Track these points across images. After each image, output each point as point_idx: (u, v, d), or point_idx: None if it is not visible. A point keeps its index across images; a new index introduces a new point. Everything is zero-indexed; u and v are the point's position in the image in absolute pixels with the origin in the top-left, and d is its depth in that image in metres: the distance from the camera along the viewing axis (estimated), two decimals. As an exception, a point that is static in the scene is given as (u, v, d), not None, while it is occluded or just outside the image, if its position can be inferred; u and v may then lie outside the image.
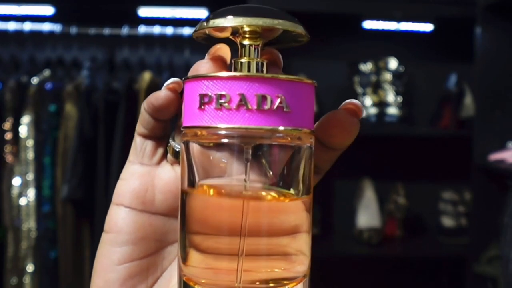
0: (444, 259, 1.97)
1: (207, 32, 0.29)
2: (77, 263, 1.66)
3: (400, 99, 1.89)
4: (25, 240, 1.67)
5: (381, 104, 1.88)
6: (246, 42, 0.29)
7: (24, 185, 1.68)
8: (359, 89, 1.90)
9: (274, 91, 0.26)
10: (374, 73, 1.90)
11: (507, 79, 1.60)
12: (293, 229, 0.28)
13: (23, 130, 1.67)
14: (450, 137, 1.95)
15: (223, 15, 0.27)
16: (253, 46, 0.29)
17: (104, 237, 0.32)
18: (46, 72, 1.74)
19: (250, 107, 0.26)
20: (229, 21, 0.27)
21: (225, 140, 0.27)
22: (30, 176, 1.67)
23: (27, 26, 1.77)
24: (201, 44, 0.32)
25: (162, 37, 1.78)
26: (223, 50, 0.31)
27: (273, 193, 0.28)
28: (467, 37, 1.71)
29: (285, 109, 0.26)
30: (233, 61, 0.29)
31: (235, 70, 0.29)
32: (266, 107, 0.26)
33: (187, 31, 1.77)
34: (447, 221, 1.90)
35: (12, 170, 1.68)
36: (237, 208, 0.27)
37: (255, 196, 0.28)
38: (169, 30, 1.77)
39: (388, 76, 1.89)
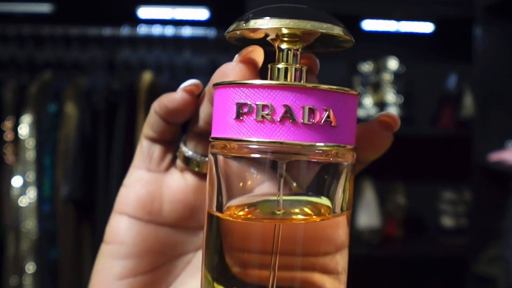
0: (444, 259, 1.97)
1: (239, 33, 0.26)
2: (77, 263, 1.66)
3: (400, 99, 1.89)
4: (25, 240, 1.67)
5: (381, 104, 1.88)
6: (284, 46, 0.26)
7: (25, 185, 1.68)
8: (359, 89, 1.90)
9: (322, 103, 0.24)
10: (374, 73, 1.90)
11: (507, 79, 1.60)
12: (341, 245, 0.26)
13: (23, 130, 1.67)
14: (450, 137, 1.95)
15: (263, 15, 0.25)
16: (292, 50, 0.26)
17: (104, 248, 0.30)
18: (47, 73, 1.74)
19: (295, 120, 0.23)
20: (273, 23, 0.24)
21: (259, 155, 0.24)
22: (31, 176, 1.67)
23: (27, 26, 1.76)
24: (201, 44, 0.30)
25: (162, 38, 1.78)
26: (257, 53, 0.27)
27: (306, 209, 0.26)
28: (467, 37, 1.71)
29: (332, 124, 0.24)
30: (269, 67, 0.27)
31: (272, 77, 0.26)
32: (313, 120, 0.24)
33: (187, 31, 1.77)
34: (447, 221, 1.91)
35: (12, 170, 1.68)
36: (270, 231, 0.25)
37: (291, 219, 0.26)
38: (169, 30, 1.77)
39: (388, 76, 1.89)
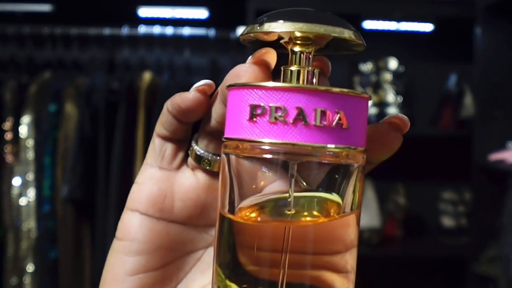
0: (444, 259, 1.97)
1: (253, 35, 0.27)
2: (77, 263, 1.66)
3: (400, 99, 1.89)
4: (25, 240, 1.67)
5: (381, 104, 1.88)
6: (297, 49, 0.27)
7: (24, 185, 1.68)
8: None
9: (334, 106, 0.24)
10: (374, 73, 1.90)
11: (507, 79, 1.60)
12: (350, 244, 0.27)
13: (23, 130, 1.67)
14: (450, 137, 1.95)
15: (277, 19, 0.25)
16: (305, 53, 0.27)
17: (116, 244, 0.30)
18: (46, 72, 1.74)
19: (308, 122, 0.24)
20: (287, 26, 0.25)
21: (271, 156, 0.25)
22: (30, 176, 1.67)
23: (27, 26, 1.76)
24: (201, 45, 0.31)
25: (162, 37, 1.78)
26: (270, 56, 0.28)
27: (315, 212, 0.27)
28: (467, 37, 1.71)
29: (343, 126, 0.24)
30: (282, 69, 0.27)
31: (285, 79, 0.27)
32: (325, 122, 0.24)
33: (187, 31, 1.77)
34: (447, 221, 1.91)
35: (12, 170, 1.68)
36: (281, 231, 0.26)
37: (300, 221, 0.26)
38: (169, 30, 1.77)
39: (388, 76, 1.89)
